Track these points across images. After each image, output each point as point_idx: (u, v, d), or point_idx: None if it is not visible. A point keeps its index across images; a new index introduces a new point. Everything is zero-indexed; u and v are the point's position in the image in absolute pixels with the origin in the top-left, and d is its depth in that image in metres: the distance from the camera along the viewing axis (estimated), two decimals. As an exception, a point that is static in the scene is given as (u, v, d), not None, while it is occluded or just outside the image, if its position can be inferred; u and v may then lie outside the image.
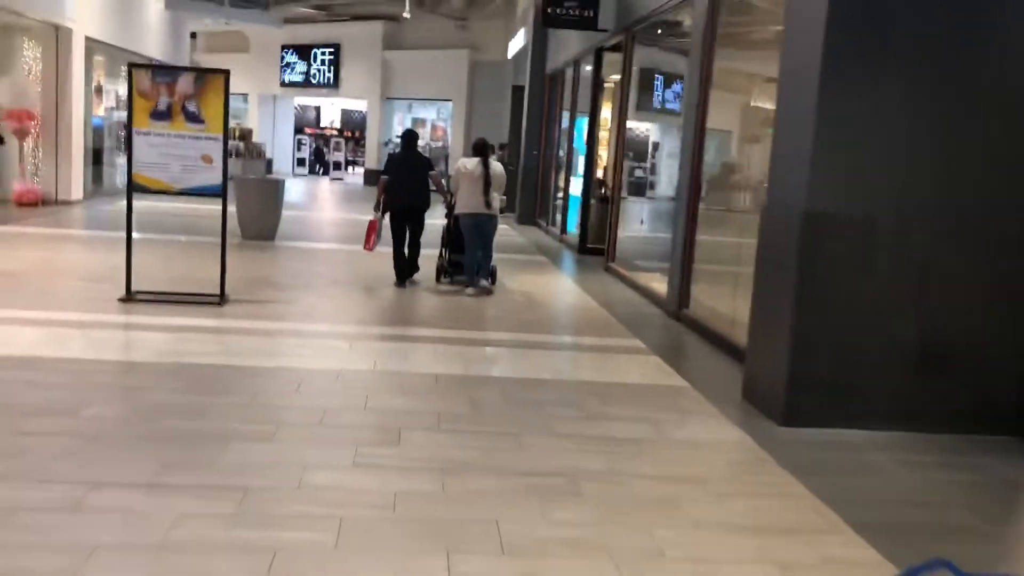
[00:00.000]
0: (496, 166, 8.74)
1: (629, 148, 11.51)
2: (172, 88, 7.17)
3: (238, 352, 5.88)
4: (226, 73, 7.30)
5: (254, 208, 12.01)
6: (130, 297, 7.36)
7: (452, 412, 4.87)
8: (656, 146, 11.67)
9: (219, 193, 7.41)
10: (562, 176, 16.78)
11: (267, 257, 10.62)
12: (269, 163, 32.98)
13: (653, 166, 11.54)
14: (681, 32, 9.60)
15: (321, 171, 34.55)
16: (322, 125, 38.04)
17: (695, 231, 8.07)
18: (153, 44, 20.58)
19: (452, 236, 9.19)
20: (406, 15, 26.53)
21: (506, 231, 16.58)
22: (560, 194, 16.83)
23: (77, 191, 16.31)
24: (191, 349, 5.87)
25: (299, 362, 5.73)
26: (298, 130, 35.99)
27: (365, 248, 9.25)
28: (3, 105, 15.00)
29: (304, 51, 32.14)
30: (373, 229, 9.08)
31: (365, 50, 30.47)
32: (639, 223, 11.53)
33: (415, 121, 32.08)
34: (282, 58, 32.69)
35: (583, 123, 14.41)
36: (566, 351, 6.87)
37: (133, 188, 7.32)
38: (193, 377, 5.19)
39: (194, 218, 14.15)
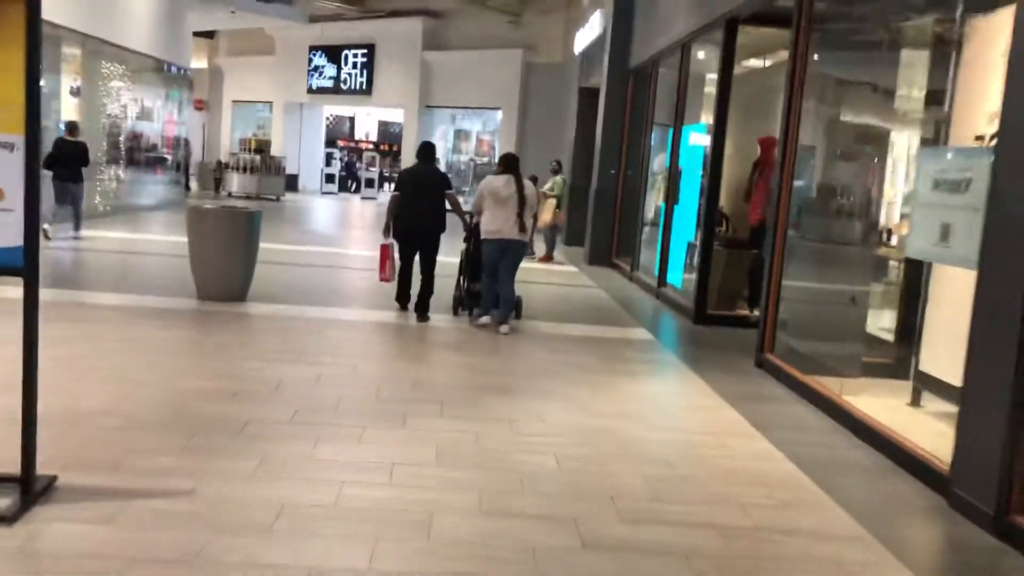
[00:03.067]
0: (529, 184, 7.78)
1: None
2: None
3: None
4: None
5: (213, 253, 7.98)
6: None
7: None
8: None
9: (17, 269, 3.32)
10: (651, 203, 12.56)
11: (216, 343, 6.55)
12: (293, 179, 29.27)
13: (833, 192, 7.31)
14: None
15: (353, 188, 30.73)
16: (356, 137, 34.33)
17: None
18: (142, 37, 16.78)
19: (472, 263, 8.17)
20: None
21: (572, 276, 12.34)
22: (647, 227, 12.60)
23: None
24: None
25: None
26: (330, 142, 32.25)
27: (381, 279, 8.25)
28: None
29: (334, 53, 28.41)
30: (387, 256, 8.12)
31: (402, 51, 26.61)
32: (823, 286, 7.29)
33: (458, 133, 28.13)
34: (310, 61, 28.98)
35: (692, 132, 10.21)
36: None
37: None
38: None
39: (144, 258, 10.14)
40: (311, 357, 6.22)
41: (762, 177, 9.55)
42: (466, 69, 25.16)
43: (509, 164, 7.69)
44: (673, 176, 10.72)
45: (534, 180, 14.91)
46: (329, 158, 31.57)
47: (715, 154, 8.88)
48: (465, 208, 8.56)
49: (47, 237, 11.19)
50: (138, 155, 18.73)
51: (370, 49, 27.54)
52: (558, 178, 14.11)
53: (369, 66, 27.64)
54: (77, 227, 12.08)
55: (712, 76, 10.36)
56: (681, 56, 10.53)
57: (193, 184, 26.77)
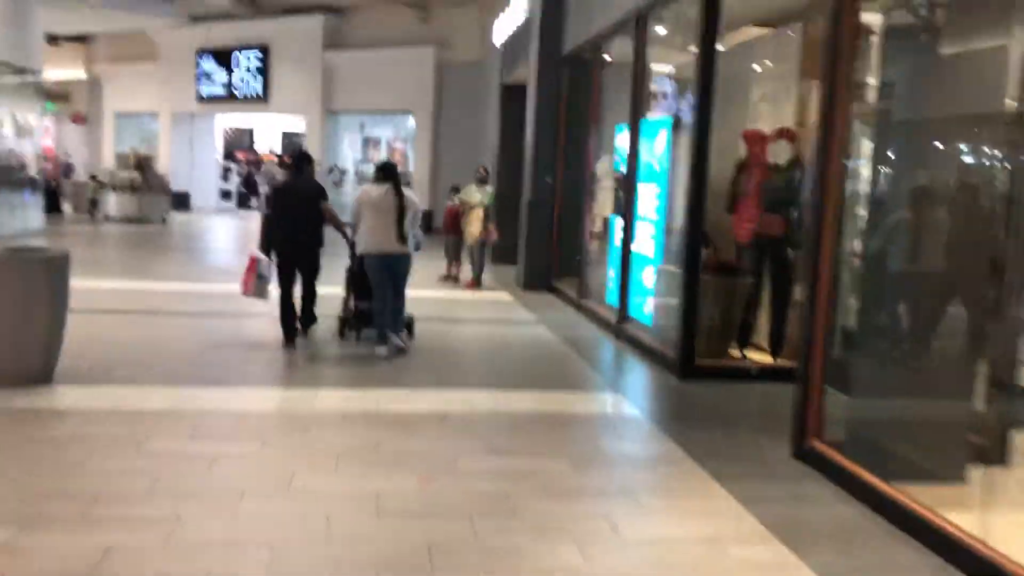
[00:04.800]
0: (409, 193, 7.30)
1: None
2: None
3: None
4: None
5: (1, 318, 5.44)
6: None
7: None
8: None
9: None
10: (598, 215, 10.41)
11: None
12: (183, 198, 26.25)
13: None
14: None
15: (254, 204, 27.80)
16: (258, 150, 31.39)
17: None
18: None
19: (356, 280, 7.57)
20: None
21: (506, 308, 10.06)
22: (593, 244, 10.44)
23: None
24: None
25: None
26: (228, 155, 29.27)
27: (242, 292, 7.41)
28: None
29: (224, 56, 25.50)
30: (252, 268, 7.31)
31: (301, 52, 23.91)
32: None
33: (368, 141, 25.54)
34: (197, 66, 26.02)
35: (653, 128, 8.09)
36: None
37: None
38: None
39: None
40: (130, 505, 3.78)
41: (750, 181, 7.47)
42: (373, 70, 22.62)
43: (387, 172, 7.31)
44: (629, 183, 8.56)
45: (456, 190, 12.70)
46: (226, 172, 28.60)
47: (698, 153, 6.70)
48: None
49: None
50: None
51: (264, 51, 24.74)
52: (487, 187, 11.82)
53: (264, 70, 24.83)
54: None
55: (681, 57, 8.28)
56: (636, 31, 8.37)
57: (66, 207, 23.57)
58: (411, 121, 22.93)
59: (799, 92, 7.75)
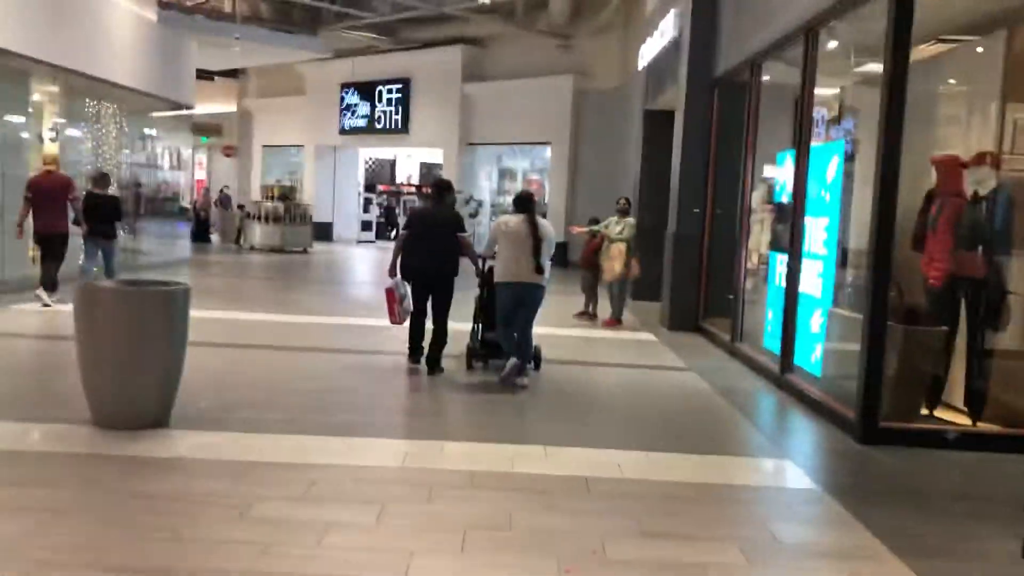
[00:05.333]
0: (545, 223, 7.13)
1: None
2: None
3: None
4: None
5: (110, 355, 5.11)
6: None
7: None
8: None
9: None
10: (753, 250, 9.48)
11: (55, 538, 3.66)
12: (327, 228, 26.75)
13: None
14: None
15: (393, 235, 28.00)
16: (397, 181, 31.76)
17: None
18: (126, 69, 14.30)
19: (486, 310, 7.54)
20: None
21: (650, 350, 9.22)
22: (749, 281, 9.49)
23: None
24: None
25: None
26: (370, 187, 29.73)
27: (392, 322, 7.47)
28: None
29: (367, 89, 25.92)
30: (393, 298, 7.35)
31: (440, 84, 23.97)
32: None
33: (504, 172, 25.27)
34: (341, 99, 26.57)
35: (824, 153, 7.17)
36: None
37: None
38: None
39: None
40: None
41: (942, 214, 6.42)
42: (511, 100, 22.34)
43: (523, 203, 7.18)
44: (796, 216, 7.62)
45: (595, 222, 12.01)
46: (367, 204, 29.01)
47: (885, 182, 5.75)
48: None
49: (46, 304, 10.07)
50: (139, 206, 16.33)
51: (405, 84, 24.98)
52: (629, 219, 11.08)
53: (404, 102, 25.05)
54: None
55: (858, 69, 7.36)
56: (806, 46, 7.49)
57: (215, 236, 24.42)
58: (548, 152, 22.46)
59: (997, 112, 6.69)
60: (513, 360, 6.95)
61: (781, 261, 8.21)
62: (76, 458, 4.73)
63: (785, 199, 8.39)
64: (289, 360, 7.96)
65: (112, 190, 12.39)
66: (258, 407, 5.98)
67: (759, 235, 9.57)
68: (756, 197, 9.54)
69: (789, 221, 8.07)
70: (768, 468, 5.25)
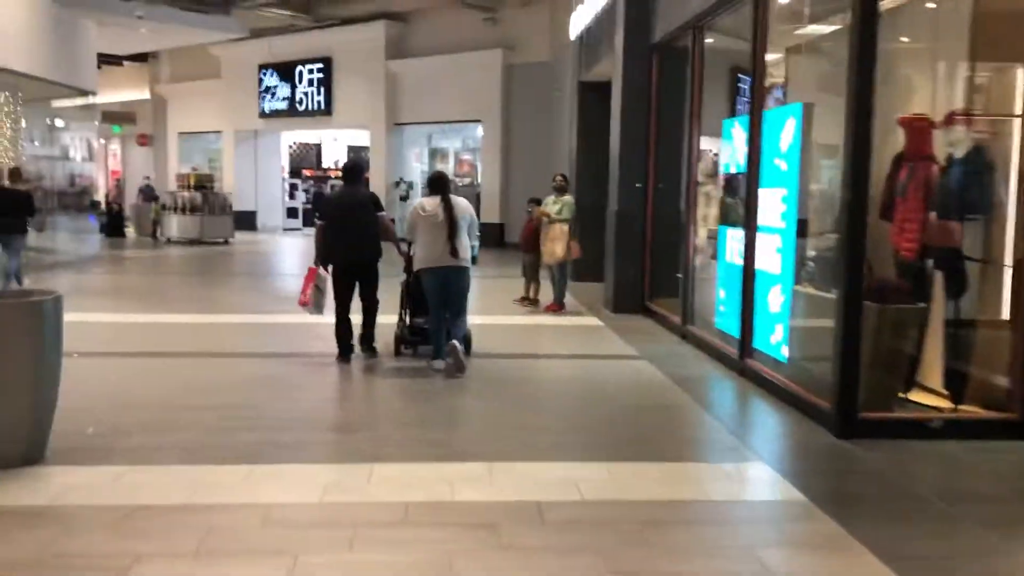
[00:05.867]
0: (461, 202, 6.97)
1: None
2: None
3: None
4: None
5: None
6: None
7: None
8: None
9: None
10: (701, 225, 8.91)
11: None
12: (250, 217, 25.54)
13: None
14: None
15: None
16: (324, 166, 30.54)
17: None
18: (15, 52, 13.00)
19: (412, 295, 7.35)
20: None
21: (597, 336, 8.58)
22: (697, 259, 8.90)
23: None
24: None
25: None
26: (295, 173, 28.50)
27: (300, 303, 7.21)
28: None
29: (286, 70, 24.70)
30: (311, 278, 7.12)
31: (364, 62, 22.90)
32: None
33: (434, 153, 24.36)
34: (260, 81, 25.28)
35: (779, 118, 6.56)
36: None
37: None
38: None
39: None
40: None
41: (912, 180, 5.88)
42: (438, 78, 21.40)
43: (437, 184, 7.02)
44: (749, 187, 7.02)
45: (537, 202, 11.28)
46: (293, 190, 27.81)
47: (858, 141, 5.15)
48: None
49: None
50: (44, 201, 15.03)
51: (326, 63, 23.82)
52: (567, 197, 10.38)
53: (326, 83, 23.89)
54: (19, 282, 10.71)
55: (807, 30, 6.79)
56: (756, 6, 6.85)
57: (130, 230, 23.00)
58: (479, 130, 21.66)
59: (969, 72, 6.20)
60: (448, 355, 6.71)
61: (733, 236, 7.64)
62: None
63: (734, 169, 7.81)
64: (197, 369, 7.07)
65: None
66: (154, 430, 5.14)
67: (705, 208, 9.00)
68: (701, 169, 8.96)
69: (739, 193, 7.50)
70: (744, 475, 4.63)
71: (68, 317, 4.68)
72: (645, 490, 4.26)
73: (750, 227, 6.96)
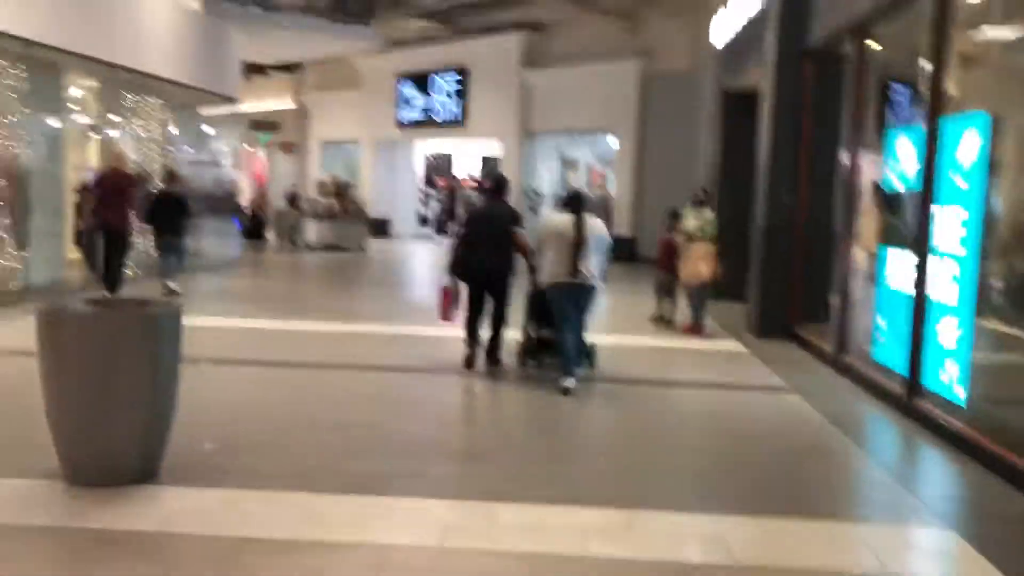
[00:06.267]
0: (595, 222, 6.88)
1: None
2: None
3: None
4: None
5: (81, 396, 4.09)
6: None
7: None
8: None
9: None
10: (860, 245, 8.12)
11: None
12: (383, 224, 25.91)
13: None
14: None
15: (452, 231, 26.96)
16: (456, 175, 30.72)
17: None
18: (160, 58, 13.47)
19: (537, 308, 7.29)
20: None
21: (739, 364, 7.90)
22: (854, 282, 8.10)
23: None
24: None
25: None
26: (428, 181, 28.82)
27: (442, 320, 7.41)
28: None
29: (422, 80, 24.92)
30: (448, 296, 7.32)
31: (499, 72, 22.80)
32: None
33: (565, 162, 23.98)
34: (398, 92, 25.62)
35: (968, 128, 5.79)
36: None
37: None
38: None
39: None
40: None
41: None
42: (572, 87, 21.03)
43: (572, 203, 6.95)
44: (923, 205, 6.25)
45: (676, 216, 10.71)
46: (426, 199, 28.09)
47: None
48: None
49: (175, 293, 10.99)
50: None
51: (463, 74, 23.90)
52: (708, 213, 9.74)
53: (462, 93, 23.97)
54: (172, 279, 11.34)
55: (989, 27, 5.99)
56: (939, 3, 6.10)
57: (271, 236, 23.67)
58: (614, 140, 21.13)
59: None
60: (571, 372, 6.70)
61: (897, 259, 6.87)
62: (26, 533, 3.71)
63: (900, 185, 7.03)
64: (322, 381, 6.90)
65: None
66: (271, 449, 4.92)
67: (864, 227, 8.21)
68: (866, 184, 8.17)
69: (903, 211, 6.75)
70: (930, 544, 3.96)
71: (202, 322, 4.52)
72: (807, 555, 3.68)
73: (922, 250, 6.19)
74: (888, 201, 7.56)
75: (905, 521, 4.19)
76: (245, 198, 27.54)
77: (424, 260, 19.42)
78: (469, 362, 7.22)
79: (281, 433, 5.27)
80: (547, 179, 23.79)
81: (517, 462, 4.98)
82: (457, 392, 6.81)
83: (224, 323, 9.30)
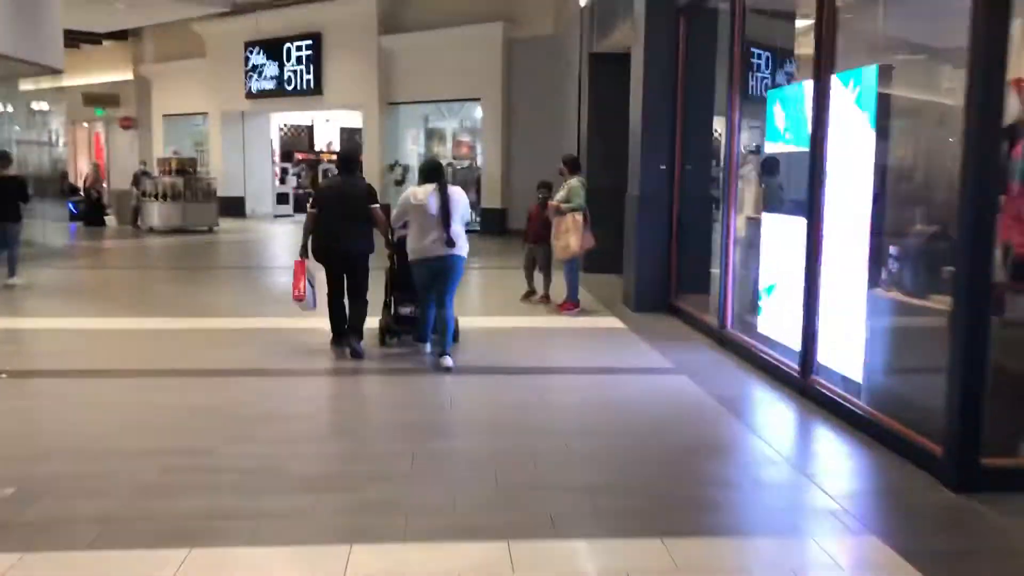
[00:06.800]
0: (456, 191, 6.70)
1: None
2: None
3: None
4: None
5: None
6: None
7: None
8: None
9: None
10: (739, 211, 7.72)
11: None
12: (238, 203, 24.35)
13: None
14: None
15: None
16: (317, 149, 29.21)
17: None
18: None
19: (397, 284, 7.25)
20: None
21: (620, 341, 7.35)
22: (734, 251, 7.70)
23: None
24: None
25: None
26: (286, 156, 27.25)
27: (294, 297, 6.90)
28: None
29: (274, 47, 23.36)
30: (301, 271, 6.89)
31: (355, 38, 21.57)
32: None
33: (430, 133, 23.07)
34: (246, 60, 23.95)
35: (858, 81, 5.36)
36: None
37: None
38: None
39: None
40: None
41: (1031, 156, 4.70)
42: (434, 54, 20.10)
43: (432, 173, 6.76)
44: (813, 166, 5.81)
45: (548, 187, 10.08)
46: (284, 175, 26.57)
47: (988, 97, 3.95)
48: None
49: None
50: None
51: (316, 39, 22.49)
52: (574, 181, 9.10)
53: (316, 60, 22.59)
54: (12, 273, 10.63)
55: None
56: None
57: (111, 218, 21.72)
58: (479, 110, 20.38)
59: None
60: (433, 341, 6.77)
61: (783, 225, 6.47)
62: None
63: (784, 147, 6.62)
64: (152, 392, 5.88)
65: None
66: (72, 490, 3.95)
67: (749, 195, 7.82)
68: (742, 144, 7.77)
69: (782, 175, 6.34)
70: (857, 557, 3.45)
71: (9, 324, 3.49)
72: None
73: (814, 216, 5.76)
74: (770, 165, 7.17)
75: (826, 531, 3.67)
76: (81, 179, 25.29)
77: (282, 243, 18.12)
78: (338, 338, 7.02)
79: (87, 468, 4.28)
80: (413, 151, 22.81)
81: (378, 486, 4.19)
82: (311, 396, 5.95)
83: (41, 324, 8.05)
